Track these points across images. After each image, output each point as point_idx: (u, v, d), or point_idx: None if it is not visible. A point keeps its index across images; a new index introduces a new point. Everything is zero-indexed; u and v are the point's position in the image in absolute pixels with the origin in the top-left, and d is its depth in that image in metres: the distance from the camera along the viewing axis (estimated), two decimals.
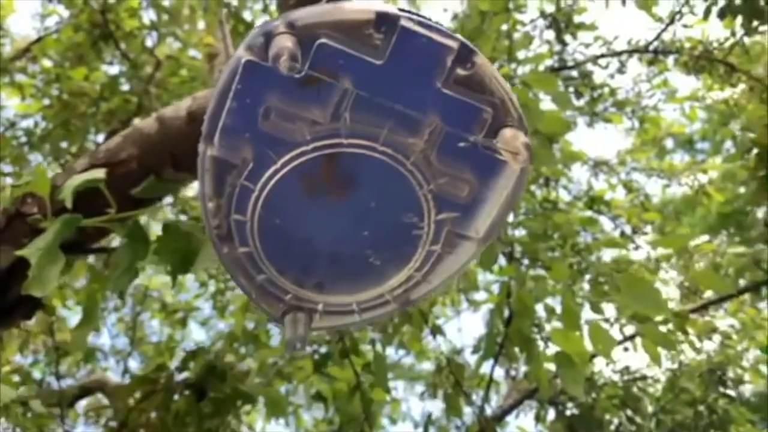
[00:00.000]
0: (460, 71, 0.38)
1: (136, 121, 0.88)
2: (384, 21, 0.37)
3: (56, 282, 0.76)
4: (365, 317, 0.46)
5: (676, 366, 2.62)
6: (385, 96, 0.38)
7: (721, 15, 1.68)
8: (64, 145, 1.94)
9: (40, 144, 1.92)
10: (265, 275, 0.43)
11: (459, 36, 0.38)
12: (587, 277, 1.85)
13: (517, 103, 0.40)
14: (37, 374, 2.46)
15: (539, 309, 1.75)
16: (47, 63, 2.14)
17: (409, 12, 0.38)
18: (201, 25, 1.94)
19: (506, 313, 1.64)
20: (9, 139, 1.84)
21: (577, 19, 2.10)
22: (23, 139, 2.00)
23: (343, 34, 0.37)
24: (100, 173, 0.76)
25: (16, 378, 2.01)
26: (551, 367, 1.55)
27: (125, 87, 1.94)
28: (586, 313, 1.70)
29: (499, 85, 0.39)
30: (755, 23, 1.89)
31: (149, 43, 1.92)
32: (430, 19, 0.38)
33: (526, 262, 1.93)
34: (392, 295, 0.45)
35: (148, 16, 1.90)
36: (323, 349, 1.66)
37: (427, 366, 3.04)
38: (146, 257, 0.81)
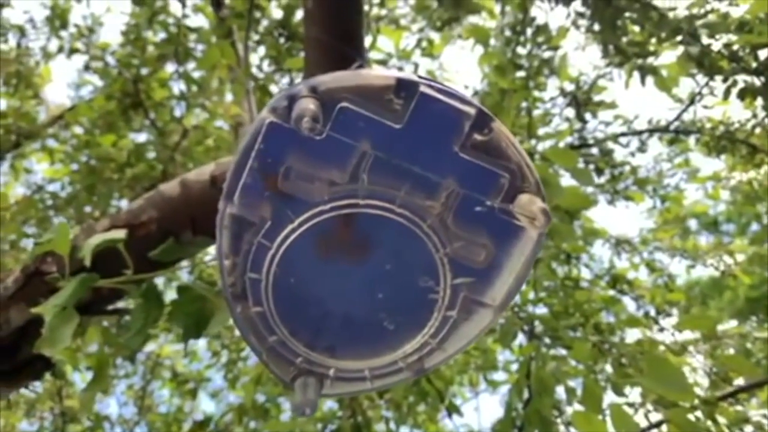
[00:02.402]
0: (478, 137, 0.39)
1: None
2: (404, 87, 0.37)
3: (68, 342, 0.76)
4: (377, 384, 0.45)
5: None
6: (403, 159, 0.38)
7: (741, 96, 1.70)
8: (87, 209, 1.98)
9: (65, 207, 1.97)
10: (277, 336, 0.43)
11: (477, 103, 0.38)
12: (609, 358, 1.79)
13: (534, 169, 0.40)
14: None
15: (559, 390, 1.69)
16: (78, 130, 2.23)
17: (428, 79, 0.38)
18: (229, 97, 2.01)
19: (525, 393, 1.58)
20: (35, 202, 1.89)
21: (596, 97, 2.14)
22: (49, 202, 2.06)
23: (363, 98, 0.38)
24: (120, 233, 0.76)
25: None
26: None
27: (152, 154, 2.00)
28: (608, 396, 1.64)
29: (515, 151, 0.39)
30: None
31: (177, 112, 2.00)
32: (448, 87, 0.39)
33: (546, 340, 1.88)
34: (406, 363, 0.44)
35: (178, 87, 1.98)
36: (333, 426, 1.62)
37: None
38: (160, 320, 0.81)
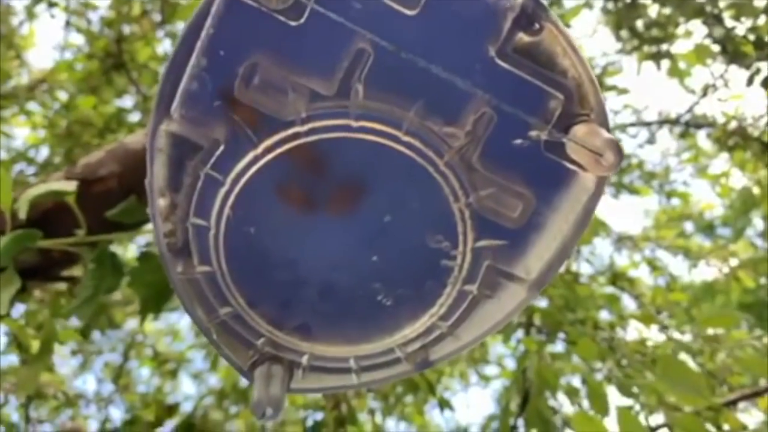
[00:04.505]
0: (524, 36, 0.27)
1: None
2: None
3: (5, 309, 0.64)
4: (366, 379, 0.33)
5: None
6: (419, 58, 0.27)
7: (766, 84, 1.59)
8: None
9: (42, 172, 1.85)
10: (231, 308, 0.31)
11: None
12: (613, 357, 1.69)
13: (599, 90, 0.28)
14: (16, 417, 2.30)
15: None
16: (62, 94, 2.10)
17: None
18: None
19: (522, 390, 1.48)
20: (8, 164, 1.77)
21: (609, 81, 2.03)
22: (25, 168, 1.94)
23: None
24: (70, 185, 0.65)
25: None
26: None
27: (135, 118, 1.88)
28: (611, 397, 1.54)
29: (575, 61, 0.28)
30: None
31: None
32: None
33: (543, 335, 1.78)
34: (405, 352, 0.32)
35: (164, 48, 1.85)
36: (318, 416, 1.51)
37: None
38: (116, 288, 0.69)
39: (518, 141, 0.28)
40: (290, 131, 0.28)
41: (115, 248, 0.75)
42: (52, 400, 2.39)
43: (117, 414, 2.75)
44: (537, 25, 0.27)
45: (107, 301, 0.70)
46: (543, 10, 0.27)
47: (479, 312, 0.32)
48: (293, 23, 0.26)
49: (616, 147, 0.27)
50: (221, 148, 0.28)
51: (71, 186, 0.65)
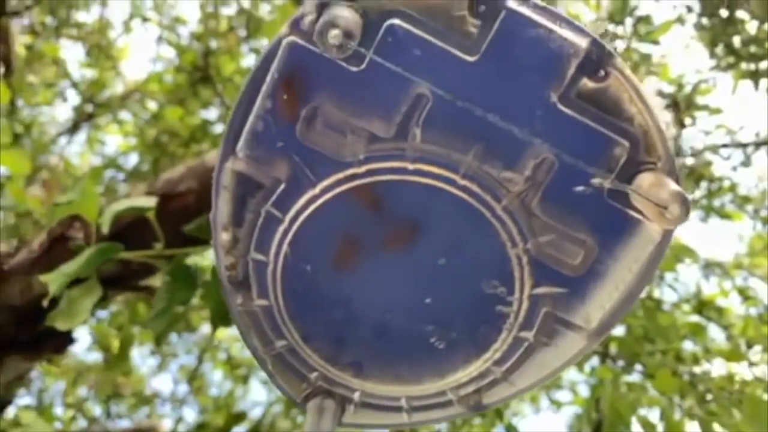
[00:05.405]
0: (588, 82, 0.26)
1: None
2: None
3: (87, 316, 0.68)
4: (417, 418, 0.33)
5: None
6: (476, 106, 0.27)
7: None
8: None
9: (130, 179, 1.96)
10: (287, 342, 0.32)
11: (589, 30, 0.26)
12: (694, 392, 1.60)
13: (667, 139, 0.27)
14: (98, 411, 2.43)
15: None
16: (151, 104, 2.22)
17: None
18: None
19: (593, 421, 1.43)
20: (100, 170, 1.89)
21: (701, 101, 1.94)
22: (117, 175, 2.06)
23: (424, 14, 0.26)
24: (150, 201, 0.68)
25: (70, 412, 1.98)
26: None
27: (219, 129, 1.95)
28: None
29: (642, 108, 0.27)
30: None
31: None
32: (549, 6, 0.27)
33: (620, 364, 1.71)
34: (458, 395, 0.32)
35: (248, 62, 1.92)
36: None
37: None
38: (189, 301, 0.72)
39: (580, 188, 0.27)
40: (348, 172, 0.28)
41: (191, 259, 0.78)
42: (131, 398, 2.51)
43: (190, 414, 2.86)
44: (602, 72, 0.26)
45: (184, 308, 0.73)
46: (609, 57, 0.26)
47: (535, 359, 0.31)
48: (354, 69, 0.27)
49: (683, 199, 0.26)
50: (282, 186, 0.29)
51: (151, 202, 0.68)
